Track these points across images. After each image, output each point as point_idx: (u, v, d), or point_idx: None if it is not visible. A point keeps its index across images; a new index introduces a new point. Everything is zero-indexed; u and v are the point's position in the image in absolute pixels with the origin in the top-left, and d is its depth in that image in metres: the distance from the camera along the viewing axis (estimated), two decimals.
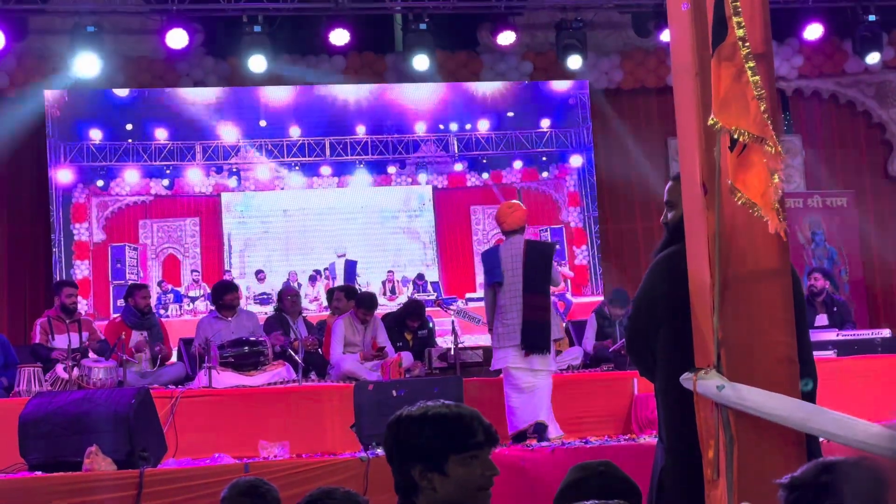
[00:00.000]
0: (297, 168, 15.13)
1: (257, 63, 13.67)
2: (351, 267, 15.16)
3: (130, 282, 13.77)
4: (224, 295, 11.04)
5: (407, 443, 2.94)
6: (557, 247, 9.69)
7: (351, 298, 11.71)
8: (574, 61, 14.32)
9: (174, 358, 11.36)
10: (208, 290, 14.38)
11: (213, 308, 11.35)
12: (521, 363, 9.33)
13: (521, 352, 9.34)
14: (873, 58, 14.55)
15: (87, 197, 14.45)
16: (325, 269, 15.16)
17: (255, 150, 14.99)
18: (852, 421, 4.01)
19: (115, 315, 12.48)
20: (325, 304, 13.20)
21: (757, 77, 4.06)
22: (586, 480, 3.42)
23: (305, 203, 15.21)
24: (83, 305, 13.64)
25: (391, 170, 15.37)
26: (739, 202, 4.09)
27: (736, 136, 4.07)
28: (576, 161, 15.41)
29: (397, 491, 2.99)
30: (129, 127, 14.60)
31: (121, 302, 13.44)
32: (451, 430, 2.91)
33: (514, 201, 10.96)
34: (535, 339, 9.35)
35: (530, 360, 9.37)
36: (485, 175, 15.46)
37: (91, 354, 10.27)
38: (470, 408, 3.01)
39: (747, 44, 4.08)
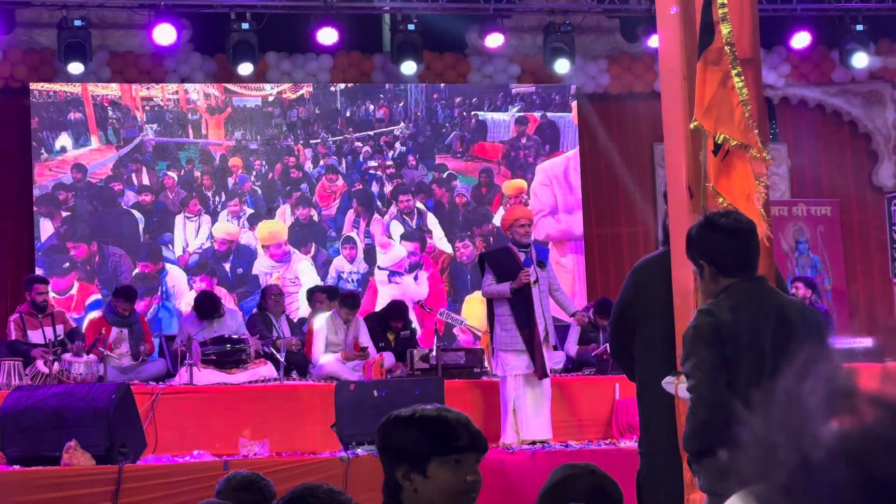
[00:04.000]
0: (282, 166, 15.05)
1: (245, 60, 13.67)
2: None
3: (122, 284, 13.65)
4: (213, 315, 11.03)
5: (393, 442, 2.97)
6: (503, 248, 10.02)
7: (333, 299, 11.69)
8: (561, 65, 14.34)
9: (155, 354, 11.33)
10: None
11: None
12: None
13: None
14: (860, 59, 14.50)
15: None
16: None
17: (241, 148, 14.90)
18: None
19: (97, 311, 12.42)
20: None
21: (742, 83, 4.05)
22: (575, 478, 3.41)
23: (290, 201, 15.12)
24: (67, 300, 13.56)
25: (377, 171, 15.32)
26: (722, 206, 4.09)
27: (719, 142, 4.06)
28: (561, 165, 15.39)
29: (383, 491, 3.02)
30: (115, 123, 14.52)
31: (101, 296, 13.37)
32: (435, 432, 2.92)
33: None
34: None
35: None
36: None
37: (70, 348, 10.23)
38: (459, 412, 3.02)
39: (734, 49, 4.08)
